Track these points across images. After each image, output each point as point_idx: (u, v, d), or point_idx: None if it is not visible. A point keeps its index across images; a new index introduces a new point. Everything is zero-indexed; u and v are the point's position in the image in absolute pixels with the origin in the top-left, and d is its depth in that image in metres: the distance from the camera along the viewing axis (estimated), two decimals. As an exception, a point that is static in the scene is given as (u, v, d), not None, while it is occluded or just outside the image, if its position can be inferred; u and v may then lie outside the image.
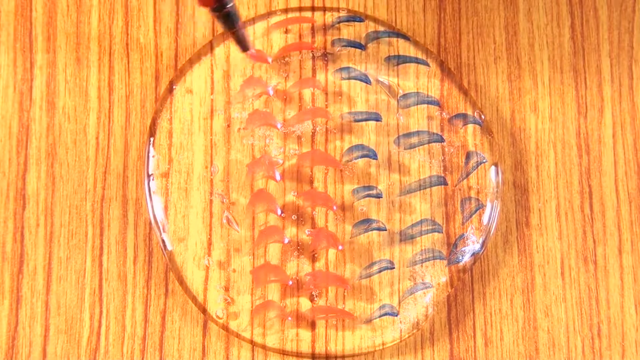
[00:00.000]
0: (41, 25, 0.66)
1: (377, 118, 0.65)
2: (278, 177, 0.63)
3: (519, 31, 0.68)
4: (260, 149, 0.64)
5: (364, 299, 0.62)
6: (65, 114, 0.64)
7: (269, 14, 0.67)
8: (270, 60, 0.63)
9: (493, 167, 0.64)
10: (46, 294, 0.62)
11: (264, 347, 0.61)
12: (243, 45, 0.51)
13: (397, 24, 0.67)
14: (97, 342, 0.61)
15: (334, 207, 0.63)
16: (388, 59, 0.66)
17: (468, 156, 0.64)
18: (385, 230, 0.63)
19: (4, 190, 0.63)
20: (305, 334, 0.61)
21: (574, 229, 0.65)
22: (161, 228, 0.62)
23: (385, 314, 0.61)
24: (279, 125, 0.64)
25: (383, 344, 0.61)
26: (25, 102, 0.65)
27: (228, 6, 0.47)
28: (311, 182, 0.64)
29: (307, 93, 0.65)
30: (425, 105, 0.65)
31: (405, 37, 0.66)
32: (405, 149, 0.65)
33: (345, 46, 0.66)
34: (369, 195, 0.63)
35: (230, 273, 0.62)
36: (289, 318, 0.61)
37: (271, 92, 0.65)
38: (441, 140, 0.64)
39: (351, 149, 0.64)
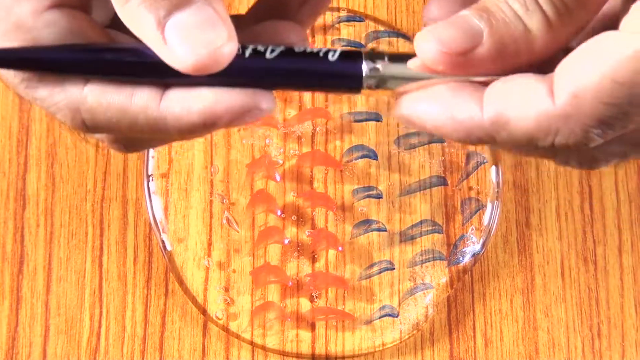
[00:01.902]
0: (41, 25, 0.66)
1: (377, 118, 0.65)
2: (278, 178, 0.63)
3: (519, 31, 0.67)
4: (260, 149, 0.64)
5: (364, 300, 0.62)
6: (65, 114, 0.64)
7: (269, 13, 0.67)
8: None
9: (493, 168, 0.64)
10: (46, 294, 0.62)
11: (264, 347, 0.61)
12: None
13: (397, 24, 0.67)
14: (97, 342, 0.61)
15: (334, 208, 0.63)
16: (388, 58, 0.66)
17: (468, 156, 0.64)
18: (386, 231, 0.63)
19: (4, 190, 0.63)
20: (305, 335, 0.61)
21: (574, 229, 0.65)
22: (161, 228, 0.62)
23: (386, 315, 0.61)
24: (279, 126, 0.64)
25: (383, 345, 0.61)
26: (25, 102, 0.65)
27: None
28: (311, 182, 0.64)
29: (307, 93, 0.65)
30: (426, 105, 0.65)
31: (405, 37, 0.66)
32: (405, 149, 0.65)
33: (346, 46, 0.66)
34: (369, 196, 0.63)
35: (230, 274, 0.62)
36: (289, 319, 0.61)
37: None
38: (441, 140, 0.64)
39: (351, 149, 0.64)
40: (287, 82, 0.36)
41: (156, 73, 0.35)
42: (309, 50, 0.35)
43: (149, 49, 0.35)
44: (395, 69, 0.35)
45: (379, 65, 0.35)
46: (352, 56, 0.35)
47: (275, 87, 0.36)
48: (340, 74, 0.36)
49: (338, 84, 0.36)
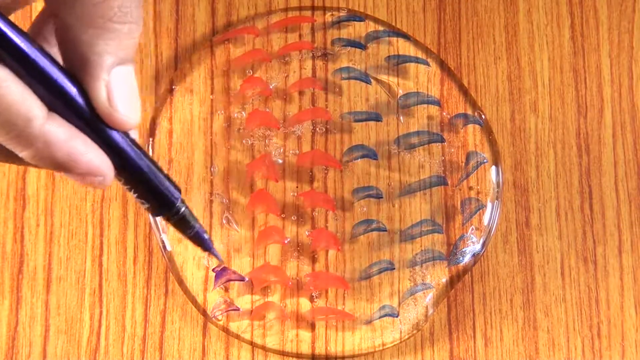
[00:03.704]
0: (41, 25, 0.66)
1: (377, 118, 0.65)
2: (278, 178, 0.63)
3: (519, 31, 0.68)
4: (260, 149, 0.64)
5: (364, 300, 0.62)
6: (65, 114, 0.64)
7: (269, 13, 0.67)
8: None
9: (493, 167, 0.64)
10: (46, 294, 0.62)
11: (263, 347, 0.61)
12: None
13: (397, 24, 0.67)
14: (97, 342, 0.61)
15: (334, 208, 0.63)
16: (388, 58, 0.66)
17: (468, 156, 0.64)
18: (386, 230, 0.63)
19: (4, 190, 0.63)
20: (305, 335, 0.61)
21: (574, 229, 0.65)
22: (161, 228, 0.62)
23: (386, 315, 0.61)
24: (279, 125, 0.64)
25: (383, 345, 0.61)
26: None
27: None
28: (311, 182, 0.64)
29: (307, 93, 0.65)
30: (425, 105, 0.65)
31: (405, 36, 0.66)
32: (405, 149, 0.65)
33: (345, 46, 0.66)
34: (369, 196, 0.63)
35: (231, 274, 0.62)
36: (289, 319, 0.61)
37: (271, 92, 0.65)
38: (441, 140, 0.64)
39: (351, 149, 0.64)
40: (129, 169, 0.39)
41: (61, 97, 0.36)
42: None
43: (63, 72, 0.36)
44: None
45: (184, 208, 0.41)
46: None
47: (119, 171, 0.38)
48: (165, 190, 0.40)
49: (156, 194, 0.40)
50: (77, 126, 0.36)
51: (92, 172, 0.37)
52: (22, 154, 0.36)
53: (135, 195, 0.40)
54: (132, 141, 0.38)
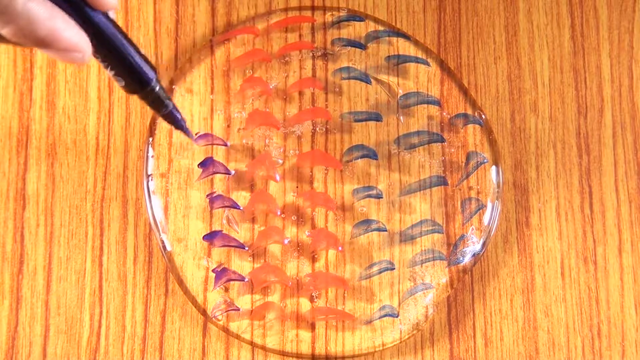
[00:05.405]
0: (41, 25, 0.66)
1: (377, 118, 0.65)
2: (278, 178, 0.63)
3: (519, 31, 0.68)
4: (260, 149, 0.64)
5: (364, 300, 0.62)
6: (65, 114, 0.64)
7: (269, 13, 0.67)
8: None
9: (493, 167, 0.64)
10: (46, 294, 0.62)
11: (263, 347, 0.61)
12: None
13: (397, 24, 0.67)
14: (97, 342, 0.61)
15: (334, 208, 0.63)
16: (388, 58, 0.66)
17: (468, 156, 0.64)
18: (386, 230, 0.63)
19: (4, 190, 0.63)
20: (305, 335, 0.61)
21: (574, 229, 0.65)
22: (160, 228, 0.62)
23: (386, 315, 0.61)
24: (279, 125, 0.64)
25: (383, 345, 0.61)
26: (25, 102, 0.65)
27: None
28: (311, 182, 0.64)
29: (307, 93, 0.65)
30: (426, 105, 0.65)
31: (405, 36, 0.66)
32: (405, 149, 0.65)
33: (345, 46, 0.66)
34: (369, 196, 0.63)
35: (230, 274, 0.62)
36: (289, 319, 0.61)
37: (271, 92, 0.65)
38: (441, 140, 0.64)
39: (351, 149, 0.64)
40: (106, 47, 0.42)
41: None
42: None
43: None
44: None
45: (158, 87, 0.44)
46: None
47: (98, 48, 0.41)
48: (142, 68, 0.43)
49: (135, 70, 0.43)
50: (58, 5, 0.39)
51: (71, 48, 0.39)
52: (4, 30, 0.38)
53: (112, 72, 0.42)
54: (111, 21, 0.41)
